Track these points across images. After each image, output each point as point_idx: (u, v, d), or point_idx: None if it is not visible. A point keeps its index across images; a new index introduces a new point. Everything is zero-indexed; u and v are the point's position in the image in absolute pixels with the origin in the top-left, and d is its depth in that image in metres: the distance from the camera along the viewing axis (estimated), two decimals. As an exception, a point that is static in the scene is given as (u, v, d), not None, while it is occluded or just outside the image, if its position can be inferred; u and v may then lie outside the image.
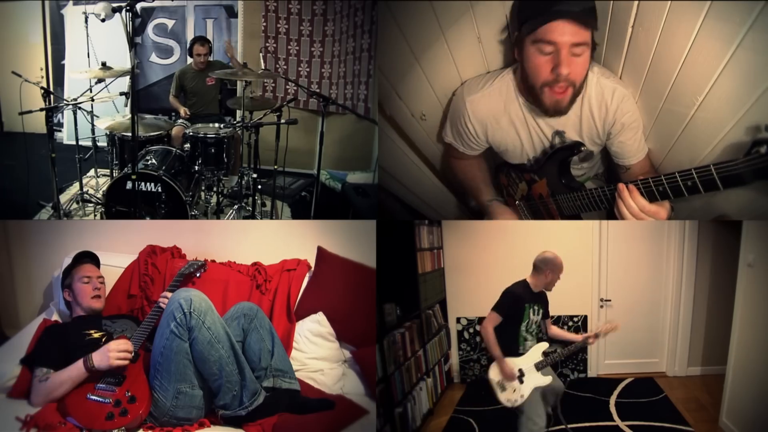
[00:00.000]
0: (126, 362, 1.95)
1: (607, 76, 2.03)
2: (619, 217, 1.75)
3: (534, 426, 2.39)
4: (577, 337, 2.59)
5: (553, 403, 2.62)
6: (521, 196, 2.39)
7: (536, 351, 2.48)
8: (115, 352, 1.94)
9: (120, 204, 3.10)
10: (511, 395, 2.43)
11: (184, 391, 1.95)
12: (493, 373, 2.50)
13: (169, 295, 2.20)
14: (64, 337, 2.14)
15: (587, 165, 2.34)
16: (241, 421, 1.99)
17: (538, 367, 2.45)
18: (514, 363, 2.46)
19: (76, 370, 1.94)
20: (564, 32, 1.81)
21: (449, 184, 2.99)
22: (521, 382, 2.43)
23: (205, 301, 2.04)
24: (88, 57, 4.73)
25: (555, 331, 2.68)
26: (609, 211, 1.96)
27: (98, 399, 1.88)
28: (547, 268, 2.48)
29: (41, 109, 3.06)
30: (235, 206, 3.56)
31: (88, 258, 2.43)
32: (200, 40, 4.22)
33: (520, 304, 2.48)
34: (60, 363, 2.03)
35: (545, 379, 2.44)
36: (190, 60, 4.31)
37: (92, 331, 2.19)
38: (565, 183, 2.13)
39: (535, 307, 2.52)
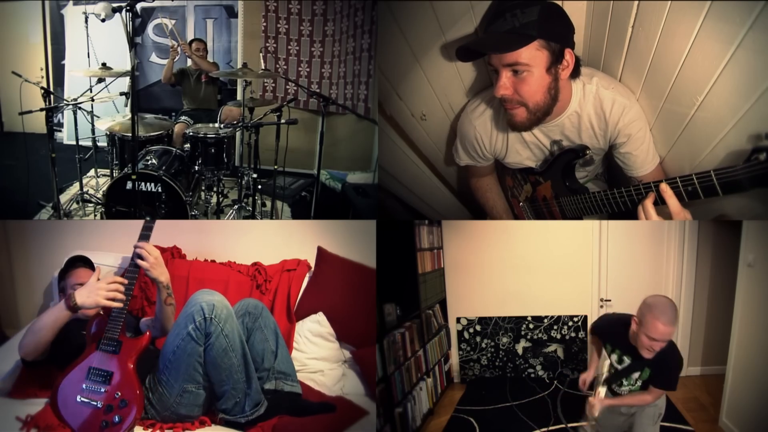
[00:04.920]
0: (119, 304, 1.81)
1: (608, 86, 1.96)
2: (642, 215, 1.66)
3: None
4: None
5: None
6: (525, 197, 2.38)
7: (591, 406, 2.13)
8: (104, 290, 1.78)
9: (120, 204, 3.09)
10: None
11: (189, 390, 1.94)
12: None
13: (143, 246, 1.96)
14: (63, 332, 2.13)
15: (590, 169, 2.34)
16: (240, 426, 1.97)
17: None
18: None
19: (57, 309, 1.85)
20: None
21: (448, 184, 2.99)
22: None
23: (227, 308, 1.97)
24: (88, 57, 4.74)
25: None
26: (611, 214, 1.96)
27: (87, 401, 1.83)
28: (644, 314, 1.94)
29: (41, 109, 3.06)
30: (235, 206, 3.56)
31: (81, 262, 2.32)
32: (194, 41, 4.38)
33: (602, 338, 2.23)
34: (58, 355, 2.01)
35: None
36: (190, 62, 4.36)
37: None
38: (568, 186, 2.12)
39: (617, 355, 2.14)
